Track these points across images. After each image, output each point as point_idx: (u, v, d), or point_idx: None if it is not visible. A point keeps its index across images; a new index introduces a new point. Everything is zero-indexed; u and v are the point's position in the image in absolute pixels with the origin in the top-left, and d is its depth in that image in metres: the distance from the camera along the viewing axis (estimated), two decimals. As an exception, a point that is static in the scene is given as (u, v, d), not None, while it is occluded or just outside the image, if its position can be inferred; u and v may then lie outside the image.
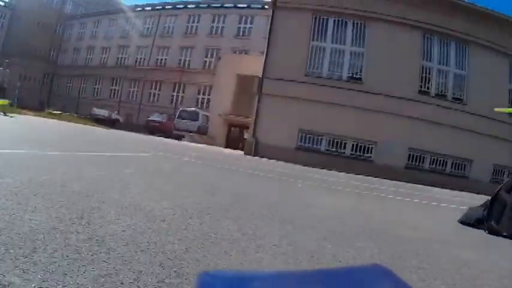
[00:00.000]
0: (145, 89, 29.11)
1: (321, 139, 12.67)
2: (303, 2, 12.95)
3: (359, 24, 13.35)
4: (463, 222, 3.39)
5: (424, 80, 13.65)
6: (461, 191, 10.85)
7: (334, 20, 13.28)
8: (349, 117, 11.92)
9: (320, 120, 11.96)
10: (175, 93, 27.98)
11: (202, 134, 19.17)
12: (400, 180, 10.68)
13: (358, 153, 12.62)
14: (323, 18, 13.22)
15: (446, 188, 10.88)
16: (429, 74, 13.76)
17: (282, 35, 12.72)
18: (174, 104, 26.53)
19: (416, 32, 13.53)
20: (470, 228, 3.21)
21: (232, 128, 21.23)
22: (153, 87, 28.99)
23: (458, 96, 13.94)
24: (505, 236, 2.81)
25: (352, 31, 13.35)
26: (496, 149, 13.83)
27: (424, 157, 12.99)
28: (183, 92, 27.69)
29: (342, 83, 12.61)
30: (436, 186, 10.76)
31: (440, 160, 13.17)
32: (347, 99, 12.10)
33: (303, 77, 12.41)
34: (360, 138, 12.39)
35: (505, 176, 14.78)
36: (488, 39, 14.21)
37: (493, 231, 2.95)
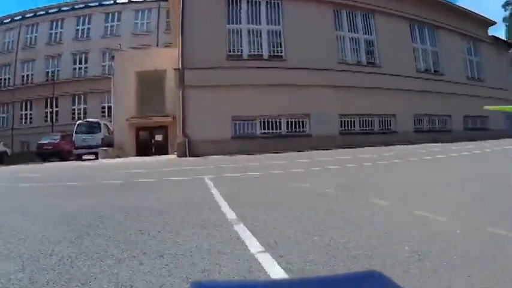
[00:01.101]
0: (38, 110, 27.30)
1: (255, 123, 14.06)
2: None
3: (273, 3, 15.19)
4: None
5: (340, 49, 16.19)
6: (392, 144, 13.52)
7: (248, 0, 14.84)
8: (279, 96, 13.56)
9: (251, 103, 13.26)
10: (75, 107, 26.74)
11: (107, 146, 18.64)
12: (336, 147, 12.86)
13: (294, 129, 14.38)
14: (236, 1, 14.65)
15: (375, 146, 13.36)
16: (343, 43, 16.36)
17: (196, 21, 13.59)
18: (76, 119, 25.35)
19: (328, 6, 16.04)
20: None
21: (141, 132, 21.00)
22: (46, 105, 27.29)
23: (372, 61, 16.90)
24: None
25: (267, 10, 15.12)
26: (413, 101, 17.29)
27: (353, 121, 15.48)
28: (85, 104, 26.64)
29: (264, 62, 14.22)
30: (369, 146, 13.18)
31: (368, 120, 15.87)
32: (272, 77, 13.71)
33: (225, 62, 13.54)
34: (293, 114, 14.19)
35: (424, 123, 18.67)
36: (390, 7, 17.61)
37: None
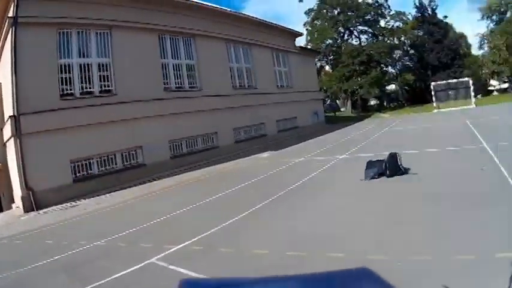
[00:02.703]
0: None
1: (92, 162, 17.63)
2: (46, 16, 16.25)
3: (103, 33, 18.77)
4: (372, 177, 10.30)
5: (165, 76, 21.77)
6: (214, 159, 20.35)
7: (78, 32, 17.86)
8: (113, 131, 18.24)
9: (87, 143, 16.98)
10: None
11: None
12: (167, 171, 18.80)
13: (128, 162, 19.15)
14: (67, 32, 17.41)
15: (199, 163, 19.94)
16: (167, 70, 21.98)
17: (31, 57, 15.60)
18: None
19: (153, 34, 21.02)
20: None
21: None
22: None
23: (194, 84, 23.28)
24: (395, 175, 10.32)
25: (97, 41, 18.61)
26: (231, 116, 24.72)
27: (181, 143, 21.64)
28: None
29: (95, 99, 18.01)
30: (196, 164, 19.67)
31: (194, 140, 22.36)
32: (105, 114, 17.92)
33: (59, 102, 16.49)
34: (128, 148, 19.05)
35: (241, 133, 26.47)
36: (209, 30, 24.14)
37: (391, 175, 10.28)
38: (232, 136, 25.60)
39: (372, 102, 73.14)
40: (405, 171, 10.58)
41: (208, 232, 7.93)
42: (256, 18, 30.87)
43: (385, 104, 67.48)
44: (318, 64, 61.39)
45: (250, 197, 11.14)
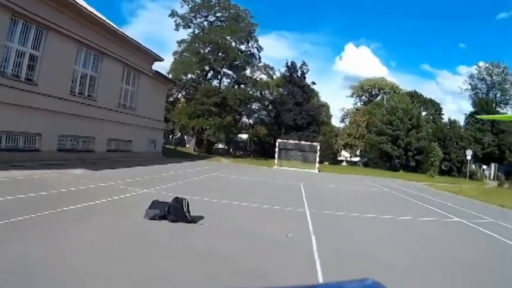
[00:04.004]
0: None
1: None
2: None
3: None
4: (152, 218, 10.71)
5: (5, 59, 23.85)
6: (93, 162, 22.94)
7: None
8: None
9: None
10: None
11: None
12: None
13: None
14: None
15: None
16: (8, 53, 24.14)
17: None
18: None
19: (6, 12, 22.93)
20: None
21: None
22: None
23: (31, 77, 25.81)
24: (178, 221, 10.75)
25: None
26: (61, 122, 27.52)
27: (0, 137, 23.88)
28: None
29: None
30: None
31: (14, 137, 24.67)
32: None
33: None
34: None
35: (68, 142, 29.30)
36: (65, 26, 27.08)
37: (173, 221, 10.68)
38: (56, 143, 28.11)
39: (220, 146, 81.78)
40: (192, 220, 11.09)
41: None
42: (118, 29, 34.00)
43: (231, 150, 76.50)
44: (175, 95, 67.40)
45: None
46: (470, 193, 32.23)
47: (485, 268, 9.37)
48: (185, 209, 11.11)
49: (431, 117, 78.19)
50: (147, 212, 11.13)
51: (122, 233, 9.49)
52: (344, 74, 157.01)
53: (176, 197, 11.54)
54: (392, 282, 7.07)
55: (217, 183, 25.04)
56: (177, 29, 64.67)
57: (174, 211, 10.98)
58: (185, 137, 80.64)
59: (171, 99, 66.66)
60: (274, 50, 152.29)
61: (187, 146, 70.65)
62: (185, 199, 11.44)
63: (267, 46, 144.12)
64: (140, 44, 37.63)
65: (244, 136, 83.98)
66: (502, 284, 8.17)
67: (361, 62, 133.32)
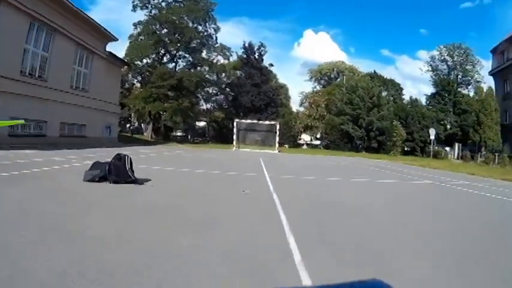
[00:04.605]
0: None
1: None
2: None
3: None
4: (91, 180, 9.60)
5: None
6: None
7: None
8: None
9: None
10: None
11: None
12: None
13: None
14: None
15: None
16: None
17: None
18: None
19: None
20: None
21: None
22: None
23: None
24: (120, 182, 9.81)
25: None
26: (9, 103, 25.66)
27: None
28: None
29: None
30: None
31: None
32: None
33: None
34: None
35: (67, 129, 27.69)
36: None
37: (115, 182, 9.72)
38: (58, 128, 26.37)
39: (179, 133, 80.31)
40: (135, 180, 10.24)
41: None
42: (73, 3, 31.56)
43: (189, 137, 75.04)
44: (131, 81, 65.24)
45: None
46: (437, 165, 32.85)
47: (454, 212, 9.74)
48: (127, 167, 10.17)
49: (392, 98, 78.10)
50: (86, 173, 10.17)
51: (53, 192, 8.62)
52: (302, 60, 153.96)
53: (118, 154, 10.48)
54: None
55: (171, 159, 24.48)
56: (134, 10, 61.37)
57: (115, 170, 10.00)
58: (142, 125, 78.62)
59: (127, 86, 64.74)
60: (233, 37, 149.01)
61: (144, 134, 68.68)
62: (128, 155, 10.47)
63: (226, 33, 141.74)
64: (95, 21, 35.58)
65: (203, 124, 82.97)
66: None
67: (320, 47, 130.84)
